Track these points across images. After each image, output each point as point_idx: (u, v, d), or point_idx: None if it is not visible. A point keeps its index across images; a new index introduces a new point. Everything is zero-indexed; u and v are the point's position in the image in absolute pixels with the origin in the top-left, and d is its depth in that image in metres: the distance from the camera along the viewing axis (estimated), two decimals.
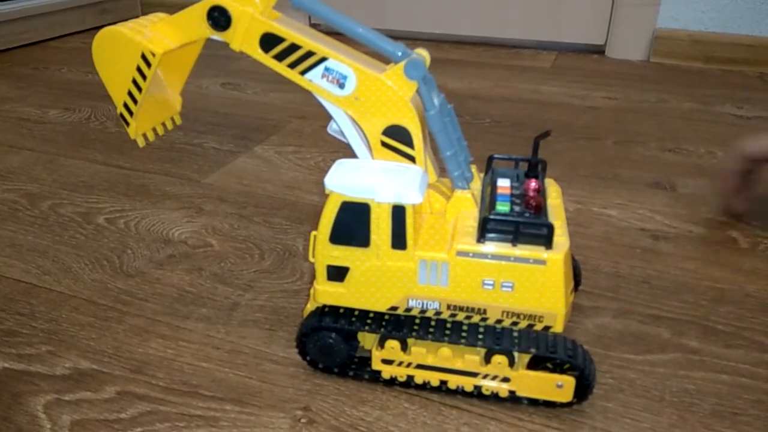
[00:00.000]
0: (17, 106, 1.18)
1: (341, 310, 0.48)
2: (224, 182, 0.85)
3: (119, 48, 0.46)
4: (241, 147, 0.97)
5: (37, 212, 0.78)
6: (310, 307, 0.50)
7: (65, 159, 0.94)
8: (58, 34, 1.71)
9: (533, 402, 0.47)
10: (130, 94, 0.48)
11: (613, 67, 1.42)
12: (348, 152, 0.47)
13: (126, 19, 0.46)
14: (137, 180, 0.86)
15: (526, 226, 0.42)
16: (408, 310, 0.46)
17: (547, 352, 0.44)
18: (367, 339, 0.51)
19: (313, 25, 0.45)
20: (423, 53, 0.44)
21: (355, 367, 0.50)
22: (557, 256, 0.42)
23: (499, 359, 0.46)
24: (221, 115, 1.12)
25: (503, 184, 0.47)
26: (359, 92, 0.44)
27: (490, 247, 0.43)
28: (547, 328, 0.44)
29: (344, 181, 0.43)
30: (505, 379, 0.46)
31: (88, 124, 1.08)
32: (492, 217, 0.42)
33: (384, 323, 0.47)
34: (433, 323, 0.47)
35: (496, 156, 0.50)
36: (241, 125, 1.07)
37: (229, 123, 1.08)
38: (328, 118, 0.47)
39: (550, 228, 0.41)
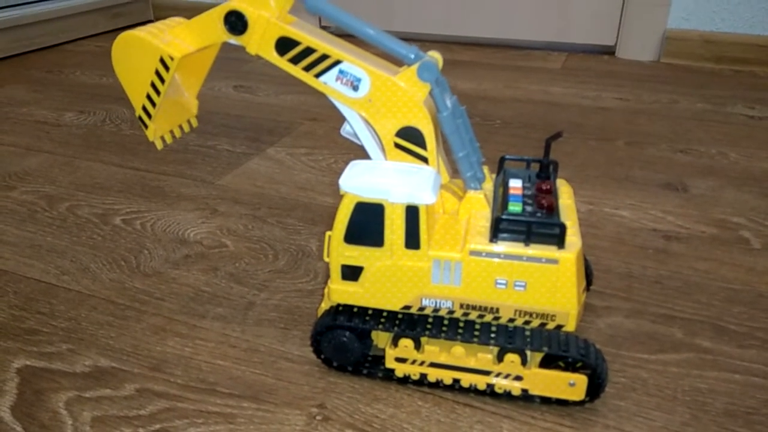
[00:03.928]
0: (33, 109, 1.20)
1: (355, 309, 0.49)
2: (238, 184, 0.86)
3: (138, 52, 0.47)
4: (254, 149, 0.98)
5: (55, 213, 0.79)
6: (325, 306, 0.51)
7: (81, 161, 0.95)
8: (71, 38, 1.73)
9: (546, 400, 0.48)
10: (148, 97, 0.49)
11: (624, 67, 1.41)
12: (360, 153, 0.48)
13: (138, 23, 0.47)
14: (152, 182, 0.87)
15: (539, 225, 0.43)
16: (421, 309, 0.47)
17: (559, 350, 0.45)
18: (380, 337, 0.51)
19: (324, 28, 0.46)
20: (436, 55, 0.45)
21: (368, 366, 0.51)
22: (569, 255, 0.42)
23: (512, 358, 0.46)
24: (234, 118, 1.13)
25: (515, 184, 0.47)
26: (373, 94, 0.44)
27: (503, 246, 0.43)
28: (559, 327, 0.45)
29: (358, 182, 0.44)
30: (518, 378, 0.47)
31: (103, 126, 1.10)
32: (504, 217, 0.43)
33: (397, 322, 0.48)
34: (446, 322, 0.47)
35: (507, 157, 0.51)
36: (254, 127, 1.08)
37: (242, 125, 1.09)
38: (340, 119, 0.47)
39: (563, 228, 0.42)
